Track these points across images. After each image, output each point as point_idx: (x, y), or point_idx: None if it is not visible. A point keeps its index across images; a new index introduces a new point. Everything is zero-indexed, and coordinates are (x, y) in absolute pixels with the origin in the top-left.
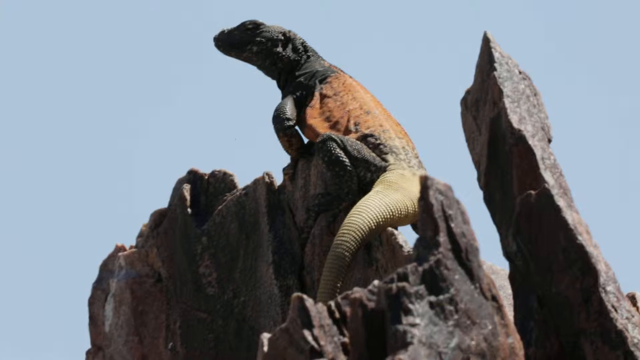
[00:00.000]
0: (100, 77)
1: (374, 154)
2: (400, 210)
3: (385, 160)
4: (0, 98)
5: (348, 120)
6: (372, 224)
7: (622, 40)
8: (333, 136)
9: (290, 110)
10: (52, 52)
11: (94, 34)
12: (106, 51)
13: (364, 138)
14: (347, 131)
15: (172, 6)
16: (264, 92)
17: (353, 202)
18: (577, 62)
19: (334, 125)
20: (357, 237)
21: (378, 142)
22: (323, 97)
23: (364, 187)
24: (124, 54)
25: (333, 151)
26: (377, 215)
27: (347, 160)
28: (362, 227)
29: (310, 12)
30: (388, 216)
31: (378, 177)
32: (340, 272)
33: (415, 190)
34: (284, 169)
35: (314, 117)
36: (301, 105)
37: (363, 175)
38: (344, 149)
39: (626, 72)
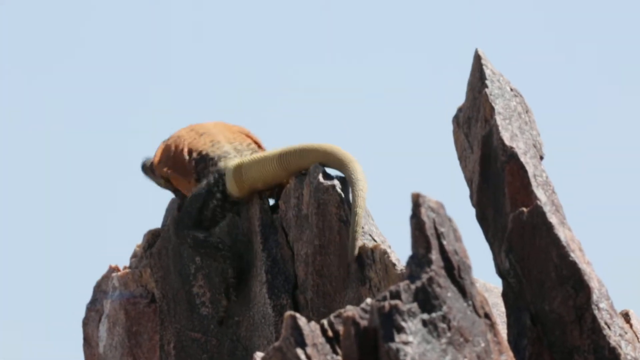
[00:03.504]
0: (88, 96)
1: (206, 185)
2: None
3: (224, 164)
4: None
5: (182, 152)
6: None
7: (618, 51)
8: (173, 229)
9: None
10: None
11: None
12: (100, 54)
13: (198, 163)
14: (184, 163)
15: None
16: (253, 113)
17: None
18: (570, 76)
19: (174, 165)
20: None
21: (209, 157)
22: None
23: (230, 204)
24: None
25: (185, 240)
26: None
27: (200, 235)
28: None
29: (304, 20)
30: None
31: (227, 188)
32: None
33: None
34: None
35: (159, 167)
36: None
37: (217, 202)
38: (190, 223)
39: (622, 83)
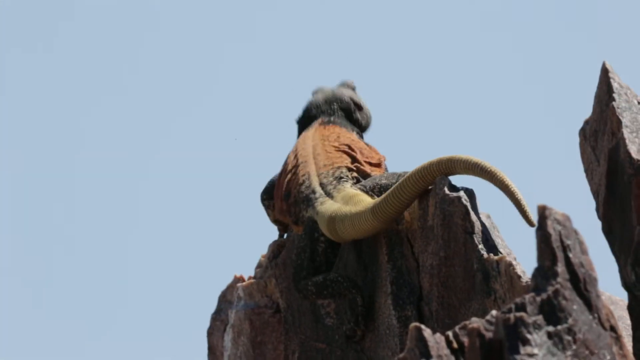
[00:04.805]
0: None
1: (305, 235)
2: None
3: (313, 209)
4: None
5: (283, 189)
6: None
7: None
8: (294, 285)
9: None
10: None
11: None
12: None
13: (291, 206)
14: (281, 203)
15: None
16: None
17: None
18: None
19: (280, 200)
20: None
21: (299, 200)
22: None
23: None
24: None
25: (307, 291)
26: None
27: (318, 279)
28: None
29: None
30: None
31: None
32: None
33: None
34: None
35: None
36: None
37: (324, 244)
38: (305, 274)
39: None
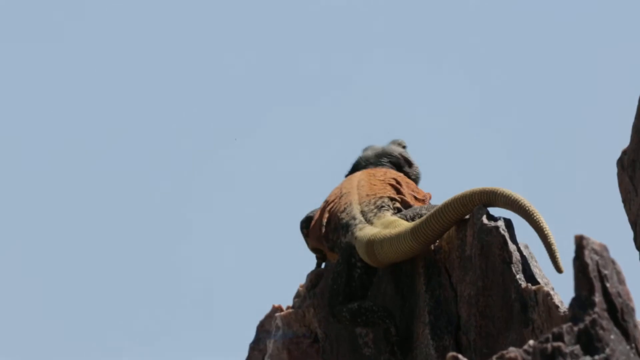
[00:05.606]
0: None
1: (342, 260)
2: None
3: (352, 234)
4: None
5: (322, 217)
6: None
7: None
8: (329, 310)
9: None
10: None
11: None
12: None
13: (336, 229)
14: (320, 230)
15: None
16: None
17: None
18: None
19: (315, 231)
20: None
21: (339, 226)
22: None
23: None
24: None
25: (342, 316)
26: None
27: (353, 306)
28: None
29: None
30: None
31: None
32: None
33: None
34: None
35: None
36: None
37: (361, 270)
38: (341, 299)
39: None
